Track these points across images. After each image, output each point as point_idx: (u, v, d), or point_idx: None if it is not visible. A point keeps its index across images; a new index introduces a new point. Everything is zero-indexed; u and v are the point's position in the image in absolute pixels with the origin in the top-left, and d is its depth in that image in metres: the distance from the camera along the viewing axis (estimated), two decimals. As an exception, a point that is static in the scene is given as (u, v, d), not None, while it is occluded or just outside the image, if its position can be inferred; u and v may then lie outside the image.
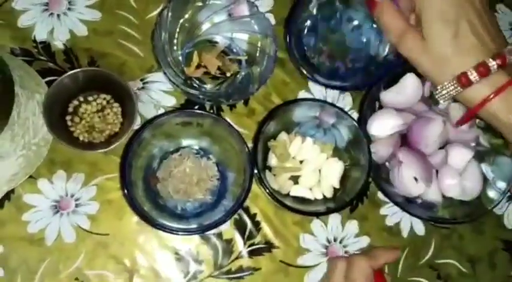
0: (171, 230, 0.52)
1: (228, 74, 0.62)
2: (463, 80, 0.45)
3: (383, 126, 0.60)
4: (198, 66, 0.61)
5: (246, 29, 0.61)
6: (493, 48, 0.46)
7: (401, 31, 0.48)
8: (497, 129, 0.48)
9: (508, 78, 0.45)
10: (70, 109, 0.59)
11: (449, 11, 0.46)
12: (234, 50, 0.63)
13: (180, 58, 0.61)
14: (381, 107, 0.63)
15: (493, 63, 0.44)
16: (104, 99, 0.59)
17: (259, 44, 0.61)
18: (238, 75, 0.62)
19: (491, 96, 0.45)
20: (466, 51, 0.46)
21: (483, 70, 0.44)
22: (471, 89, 0.45)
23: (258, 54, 0.61)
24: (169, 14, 0.58)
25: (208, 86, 0.62)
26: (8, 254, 0.55)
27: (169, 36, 0.59)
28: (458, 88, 0.46)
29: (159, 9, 0.63)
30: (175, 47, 0.61)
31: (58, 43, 0.60)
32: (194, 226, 0.54)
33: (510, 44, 0.47)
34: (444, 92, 0.47)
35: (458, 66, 0.46)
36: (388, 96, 0.61)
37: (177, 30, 0.61)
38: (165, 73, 0.56)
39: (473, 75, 0.45)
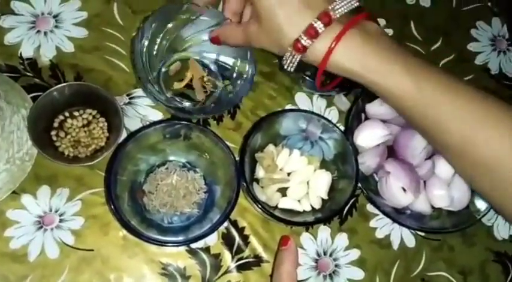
0: (157, 242, 0.51)
1: (209, 91, 0.62)
2: (298, 46, 0.45)
3: (369, 137, 0.61)
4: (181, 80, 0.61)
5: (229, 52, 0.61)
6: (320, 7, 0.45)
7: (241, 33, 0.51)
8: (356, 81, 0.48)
9: (340, 28, 0.45)
10: (55, 124, 0.58)
11: None
12: (213, 70, 0.63)
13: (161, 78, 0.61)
14: (366, 119, 0.63)
15: (318, 23, 0.44)
16: (90, 114, 0.59)
17: (238, 63, 0.61)
18: (221, 90, 0.62)
19: (330, 49, 0.45)
20: (294, 18, 0.46)
21: (312, 32, 0.45)
22: (310, 51, 0.46)
23: (238, 66, 0.61)
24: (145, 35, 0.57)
25: (189, 104, 0.61)
26: (-11, 272, 0.54)
27: (149, 57, 0.59)
28: (296, 55, 0.46)
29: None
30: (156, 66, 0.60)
31: (44, 59, 0.60)
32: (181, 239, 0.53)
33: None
34: (288, 61, 0.48)
35: (290, 35, 0.46)
36: (373, 107, 0.62)
37: (154, 53, 0.60)
38: (147, 91, 0.55)
39: (304, 40, 0.45)
